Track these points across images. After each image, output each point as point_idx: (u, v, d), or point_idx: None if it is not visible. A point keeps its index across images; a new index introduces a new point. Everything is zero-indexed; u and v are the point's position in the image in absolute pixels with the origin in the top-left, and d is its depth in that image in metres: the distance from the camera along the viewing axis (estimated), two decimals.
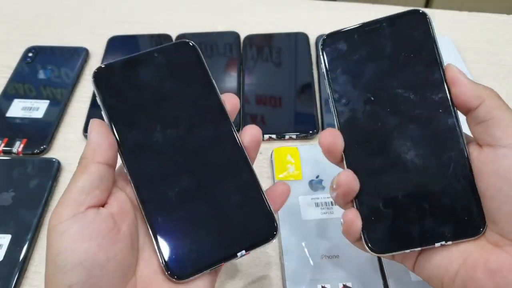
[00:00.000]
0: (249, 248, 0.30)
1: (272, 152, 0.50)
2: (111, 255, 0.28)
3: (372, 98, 0.32)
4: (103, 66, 0.32)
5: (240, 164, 0.32)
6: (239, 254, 0.30)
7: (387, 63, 0.32)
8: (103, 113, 0.31)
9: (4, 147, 0.51)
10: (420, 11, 0.33)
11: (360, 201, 0.32)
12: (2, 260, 0.42)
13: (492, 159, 0.29)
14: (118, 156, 0.31)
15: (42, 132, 0.53)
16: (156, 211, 0.30)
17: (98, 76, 0.32)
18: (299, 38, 0.63)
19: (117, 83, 0.32)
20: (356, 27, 0.33)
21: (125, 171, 0.31)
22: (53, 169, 0.49)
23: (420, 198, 0.31)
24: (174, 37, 0.64)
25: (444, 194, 0.31)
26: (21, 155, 0.51)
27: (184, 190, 0.31)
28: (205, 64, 0.33)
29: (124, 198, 0.31)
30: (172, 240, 0.30)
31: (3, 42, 0.66)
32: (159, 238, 0.30)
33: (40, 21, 0.69)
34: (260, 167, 0.50)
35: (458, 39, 0.62)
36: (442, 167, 0.31)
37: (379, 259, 0.41)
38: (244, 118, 0.54)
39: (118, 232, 0.29)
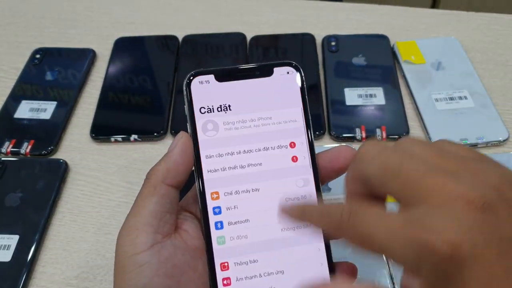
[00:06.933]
0: None
1: None
2: None
3: None
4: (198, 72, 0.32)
5: None
6: None
7: None
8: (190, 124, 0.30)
9: (12, 148, 0.52)
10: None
11: None
12: (10, 261, 0.43)
13: None
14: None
15: (50, 133, 0.53)
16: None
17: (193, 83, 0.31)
18: (305, 39, 0.63)
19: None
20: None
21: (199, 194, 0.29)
22: (61, 170, 0.50)
23: None
24: (180, 38, 0.64)
25: None
26: (28, 156, 0.51)
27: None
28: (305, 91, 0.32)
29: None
30: None
31: (10, 43, 0.66)
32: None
33: (47, 23, 0.69)
34: None
35: (465, 40, 0.62)
36: None
37: (387, 262, 0.41)
38: None
39: (196, 271, 0.28)
